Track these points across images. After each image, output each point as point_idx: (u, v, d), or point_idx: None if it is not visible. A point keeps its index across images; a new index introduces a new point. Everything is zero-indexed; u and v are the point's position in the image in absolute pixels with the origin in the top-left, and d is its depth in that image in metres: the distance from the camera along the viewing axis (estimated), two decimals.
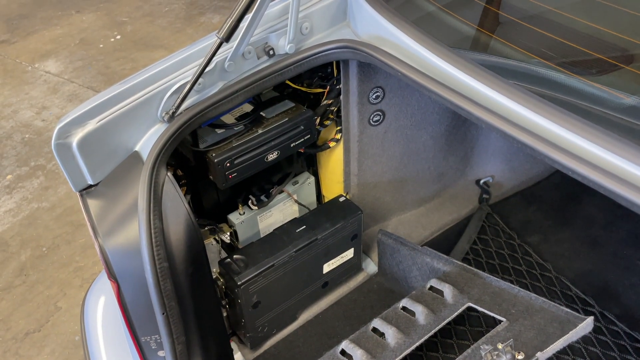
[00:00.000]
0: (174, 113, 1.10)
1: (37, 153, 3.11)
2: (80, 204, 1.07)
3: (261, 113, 1.27)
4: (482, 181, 1.75)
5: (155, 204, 0.99)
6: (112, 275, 1.02)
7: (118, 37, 4.19)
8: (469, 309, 1.13)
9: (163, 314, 0.99)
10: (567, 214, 1.66)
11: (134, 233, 0.99)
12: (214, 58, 1.13)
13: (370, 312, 1.43)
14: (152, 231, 0.97)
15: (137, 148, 1.11)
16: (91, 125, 1.04)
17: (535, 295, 1.11)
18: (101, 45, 4.11)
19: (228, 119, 1.26)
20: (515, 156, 1.75)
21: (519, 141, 0.89)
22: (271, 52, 1.20)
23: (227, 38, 1.07)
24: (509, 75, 1.01)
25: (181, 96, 1.09)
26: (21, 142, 3.21)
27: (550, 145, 0.86)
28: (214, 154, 1.16)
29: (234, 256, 1.27)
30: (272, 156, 1.24)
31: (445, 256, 1.29)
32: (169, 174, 1.05)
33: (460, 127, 1.58)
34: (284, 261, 1.27)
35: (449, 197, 1.72)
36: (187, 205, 1.05)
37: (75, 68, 3.86)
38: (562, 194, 1.73)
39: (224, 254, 1.37)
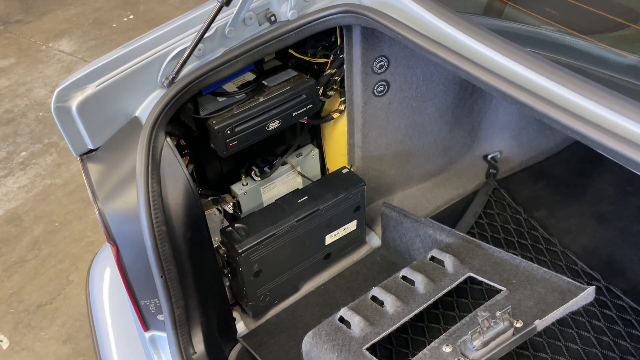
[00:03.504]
0: (173, 78, 1.09)
1: (50, 131, 3.14)
2: (81, 168, 1.08)
3: (263, 82, 1.27)
4: (489, 156, 1.72)
5: (154, 167, 1.00)
6: (111, 239, 1.03)
7: (131, 16, 4.20)
8: (470, 280, 1.12)
9: (161, 277, 0.99)
10: (575, 189, 1.63)
11: (133, 197, 1.00)
12: (214, 24, 1.12)
13: (372, 284, 1.42)
14: (150, 195, 0.98)
15: (137, 113, 1.11)
16: (90, 89, 1.04)
17: (537, 266, 1.09)
18: (114, 25, 4.12)
19: (230, 87, 1.25)
20: (524, 131, 1.72)
21: (528, 106, 0.86)
22: (273, 19, 1.19)
23: (228, 2, 1.06)
24: (517, 39, 0.98)
25: (181, 61, 1.08)
26: (35, 120, 3.25)
27: (557, 109, 0.84)
28: (214, 121, 1.16)
29: (236, 225, 1.27)
30: (273, 125, 1.24)
31: (448, 228, 1.28)
32: (167, 139, 1.05)
33: (467, 100, 1.56)
34: (285, 231, 1.27)
35: (455, 172, 1.70)
36: (185, 170, 1.05)
37: (89, 47, 3.88)
38: (571, 169, 1.70)
39: (226, 224, 1.38)
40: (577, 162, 1.71)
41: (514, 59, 0.93)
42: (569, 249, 1.45)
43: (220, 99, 1.22)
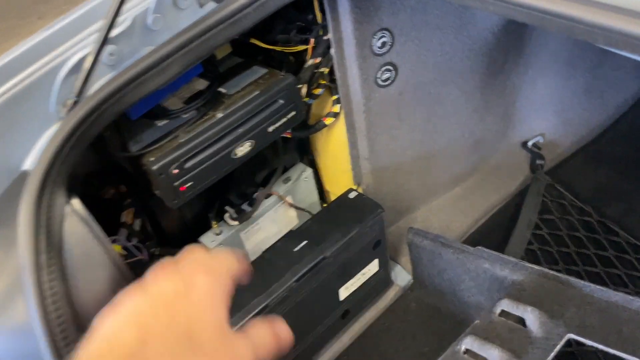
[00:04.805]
0: (75, 103, 0.70)
1: None
2: None
3: (220, 89, 0.88)
4: (530, 142, 1.34)
5: (51, 255, 0.60)
6: None
7: None
8: (571, 342, 0.74)
9: None
10: None
11: (21, 306, 0.61)
12: (128, 12, 0.73)
13: (412, 342, 1.04)
14: (49, 299, 0.59)
15: (26, 166, 0.72)
16: None
17: None
18: None
19: (172, 103, 0.86)
20: (569, 105, 1.34)
21: None
22: None
23: None
24: None
25: (82, 76, 0.69)
26: None
27: None
28: (151, 159, 0.77)
29: None
30: (242, 149, 0.85)
31: (510, 259, 0.89)
32: (73, 201, 0.66)
33: (497, 74, 1.17)
34: (282, 297, 0.88)
35: (491, 169, 1.32)
36: (109, 247, 0.66)
37: None
38: (636, 143, 1.32)
39: None
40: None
41: None
42: None
43: (159, 123, 0.83)
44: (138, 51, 0.75)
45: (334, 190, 1.20)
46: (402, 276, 1.17)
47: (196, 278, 0.44)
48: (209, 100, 0.85)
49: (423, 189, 1.23)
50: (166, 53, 0.71)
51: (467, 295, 1.01)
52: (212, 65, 0.89)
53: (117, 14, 0.68)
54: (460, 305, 1.03)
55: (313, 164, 1.17)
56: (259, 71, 0.90)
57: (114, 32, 0.72)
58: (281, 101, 0.86)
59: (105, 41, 0.69)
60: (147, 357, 0.39)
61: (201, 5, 0.81)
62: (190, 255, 0.48)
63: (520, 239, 1.14)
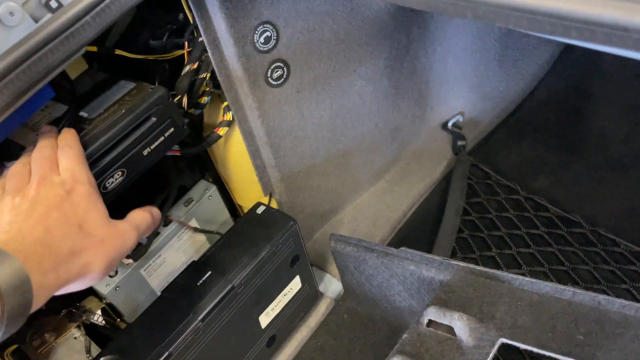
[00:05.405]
0: None
1: None
2: None
3: (81, 113, 0.75)
4: (450, 123, 1.28)
5: None
6: None
7: None
8: (505, 347, 0.67)
9: None
10: (573, 135, 1.22)
11: None
12: None
13: (348, 359, 0.95)
14: None
15: None
16: None
17: (605, 296, 0.65)
18: None
19: (23, 136, 0.73)
20: (484, 78, 1.29)
21: None
22: (55, 5, 0.67)
23: None
24: None
25: None
26: None
27: None
28: None
29: (105, 358, 0.76)
30: (114, 181, 0.72)
31: (435, 257, 0.82)
32: None
33: (404, 57, 1.09)
34: (189, 341, 0.76)
35: (412, 156, 1.24)
36: None
37: None
38: (557, 109, 1.29)
39: (96, 349, 0.86)
40: (560, 98, 1.30)
41: None
42: (598, 224, 1.03)
43: (8, 164, 0.70)
44: None
45: (247, 204, 1.09)
46: (333, 286, 1.08)
47: (70, 184, 0.57)
48: (68, 126, 0.72)
49: (344, 188, 1.15)
50: None
51: (398, 300, 0.93)
52: (67, 86, 0.76)
53: None
54: (393, 311, 0.96)
55: (218, 180, 1.06)
56: (126, 86, 0.78)
57: None
58: (153, 118, 0.74)
59: None
60: (54, 241, 0.52)
61: (36, 21, 0.67)
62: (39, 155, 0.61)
63: (449, 229, 1.08)
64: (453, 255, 1.05)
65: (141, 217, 0.65)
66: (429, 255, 0.83)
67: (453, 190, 1.13)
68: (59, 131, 0.70)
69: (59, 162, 0.60)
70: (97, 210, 0.58)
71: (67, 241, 0.53)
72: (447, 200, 1.13)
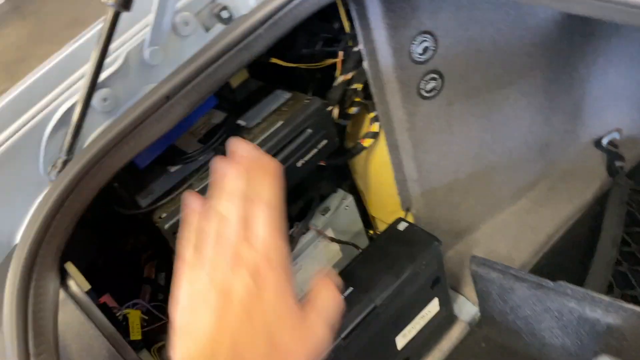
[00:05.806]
0: (66, 161, 0.60)
1: None
2: None
3: (238, 121, 0.76)
4: (605, 140, 1.16)
5: (41, 347, 0.50)
6: None
7: None
8: None
9: None
10: None
11: None
12: (119, 48, 0.62)
13: None
14: None
15: (18, 239, 0.62)
16: None
17: None
18: None
19: (186, 142, 0.75)
20: None
21: None
22: (226, 15, 0.68)
23: (126, 3, 0.56)
24: None
25: (71, 129, 0.59)
26: None
27: None
28: (163, 215, 0.66)
29: None
30: None
31: (602, 297, 0.73)
32: (71, 282, 0.55)
33: (563, 68, 1.00)
34: (330, 359, 0.75)
35: (561, 175, 1.14)
36: (112, 334, 0.55)
37: None
38: None
39: None
40: None
41: None
42: None
43: (171, 169, 0.72)
44: (137, 92, 0.64)
45: (381, 217, 1.06)
46: (466, 309, 1.02)
47: (263, 273, 0.40)
48: (226, 136, 0.73)
49: (483, 206, 1.08)
50: (165, 92, 0.59)
51: (548, 336, 0.85)
52: (228, 93, 0.77)
53: (104, 52, 0.57)
54: (540, 347, 0.88)
55: (354, 190, 1.04)
56: (282, 96, 0.78)
57: (105, 74, 0.62)
58: (309, 130, 0.73)
59: (94, 85, 0.58)
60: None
61: (207, 30, 0.69)
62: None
63: (605, 260, 0.97)
64: (609, 291, 0.94)
65: (327, 302, 0.44)
66: (594, 294, 0.74)
67: (609, 217, 1.02)
68: (223, 140, 0.71)
69: (252, 225, 0.42)
70: (288, 311, 0.41)
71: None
72: (601, 228, 1.02)
